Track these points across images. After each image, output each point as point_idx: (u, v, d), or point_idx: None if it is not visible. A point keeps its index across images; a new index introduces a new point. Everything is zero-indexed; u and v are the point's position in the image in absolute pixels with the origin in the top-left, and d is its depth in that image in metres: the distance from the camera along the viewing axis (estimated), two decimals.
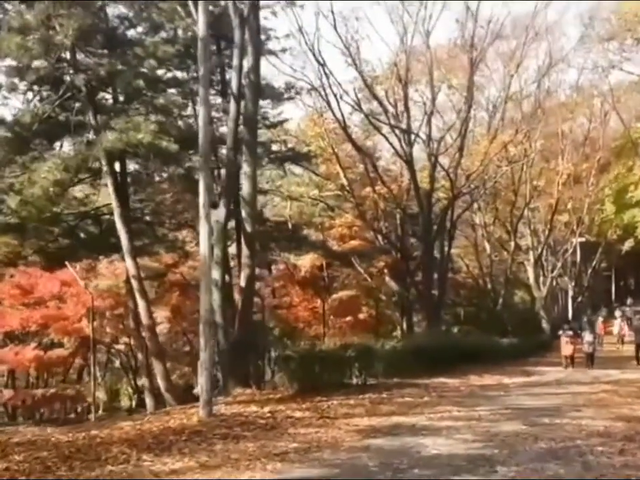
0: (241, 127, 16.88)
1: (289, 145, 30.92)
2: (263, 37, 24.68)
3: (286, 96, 25.18)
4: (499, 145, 29.08)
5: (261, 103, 27.07)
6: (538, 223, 39.12)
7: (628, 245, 43.25)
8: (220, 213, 16.42)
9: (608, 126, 38.15)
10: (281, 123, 27.35)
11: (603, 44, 22.46)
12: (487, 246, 36.93)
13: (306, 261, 37.23)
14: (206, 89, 11.84)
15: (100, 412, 25.60)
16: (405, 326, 32.16)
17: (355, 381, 17.22)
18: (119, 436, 10.01)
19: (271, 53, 25.09)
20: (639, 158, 32.27)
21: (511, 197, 35.67)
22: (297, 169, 39.32)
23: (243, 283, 16.91)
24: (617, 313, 36.76)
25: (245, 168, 16.63)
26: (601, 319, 34.79)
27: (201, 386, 12.08)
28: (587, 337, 24.11)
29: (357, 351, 16.98)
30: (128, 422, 11.79)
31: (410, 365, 19.41)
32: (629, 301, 51.52)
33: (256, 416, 11.97)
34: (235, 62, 16.17)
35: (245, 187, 16.64)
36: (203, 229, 11.95)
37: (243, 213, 16.94)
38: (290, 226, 36.61)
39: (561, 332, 25.54)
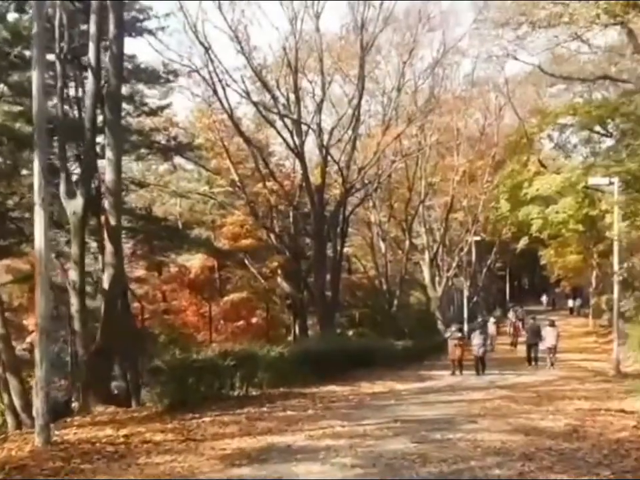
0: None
1: (179, 138, 28.93)
2: (141, 16, 22.88)
3: (168, 78, 23.08)
4: (392, 136, 28.36)
5: (145, 90, 25.20)
6: (433, 222, 38.92)
7: (522, 243, 43.85)
8: (77, 204, 14.26)
9: (503, 121, 38.53)
10: (162, 108, 25.20)
11: (498, 30, 21.89)
12: (382, 245, 36.24)
13: (196, 262, 35.27)
14: (40, 49, 9.73)
15: None
16: (297, 330, 30.77)
17: (236, 392, 15.50)
18: None
19: (150, 32, 23.01)
20: (533, 153, 32.47)
21: (406, 194, 35.16)
22: (189, 165, 37.39)
23: (106, 285, 14.75)
24: (510, 314, 37.01)
25: (108, 153, 14.51)
26: (492, 320, 34.89)
27: (36, 409, 9.94)
28: (476, 339, 22.52)
29: (238, 359, 15.15)
30: None
31: (299, 372, 17.92)
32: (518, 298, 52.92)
33: (107, 441, 9.97)
34: (92, 29, 14.01)
35: (108, 174, 14.49)
36: (38, 217, 9.82)
37: (106, 204, 14.80)
38: (180, 224, 34.70)
39: (448, 334, 24.58)
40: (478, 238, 39.12)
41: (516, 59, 26.67)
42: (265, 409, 13.43)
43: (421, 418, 11.95)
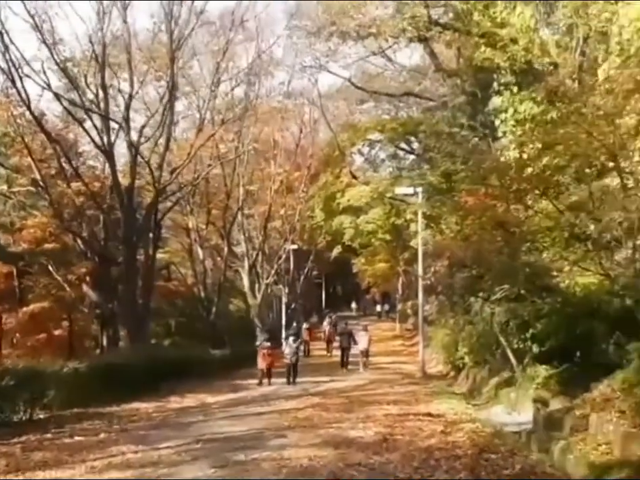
0: None
1: None
2: None
3: None
4: (205, 138, 27.50)
5: None
6: (253, 230, 38.55)
7: (336, 251, 45.19)
8: None
9: (318, 135, 39.43)
10: None
11: (310, 39, 21.92)
12: (201, 252, 35.08)
13: None
14: None
15: None
16: (106, 342, 28.52)
17: (19, 417, 13.54)
18: None
19: None
20: (345, 166, 33.60)
21: (224, 201, 34.44)
22: None
23: None
24: (326, 320, 37.58)
25: None
26: (305, 326, 35.13)
27: None
28: (289, 346, 21.75)
29: (20, 378, 13.29)
30: None
31: (100, 389, 16.30)
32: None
33: None
34: None
35: None
36: None
37: None
38: None
39: (258, 342, 24.08)
40: (295, 246, 39.36)
41: (329, 71, 27.35)
42: (49, 435, 11.85)
43: (227, 435, 11.19)
